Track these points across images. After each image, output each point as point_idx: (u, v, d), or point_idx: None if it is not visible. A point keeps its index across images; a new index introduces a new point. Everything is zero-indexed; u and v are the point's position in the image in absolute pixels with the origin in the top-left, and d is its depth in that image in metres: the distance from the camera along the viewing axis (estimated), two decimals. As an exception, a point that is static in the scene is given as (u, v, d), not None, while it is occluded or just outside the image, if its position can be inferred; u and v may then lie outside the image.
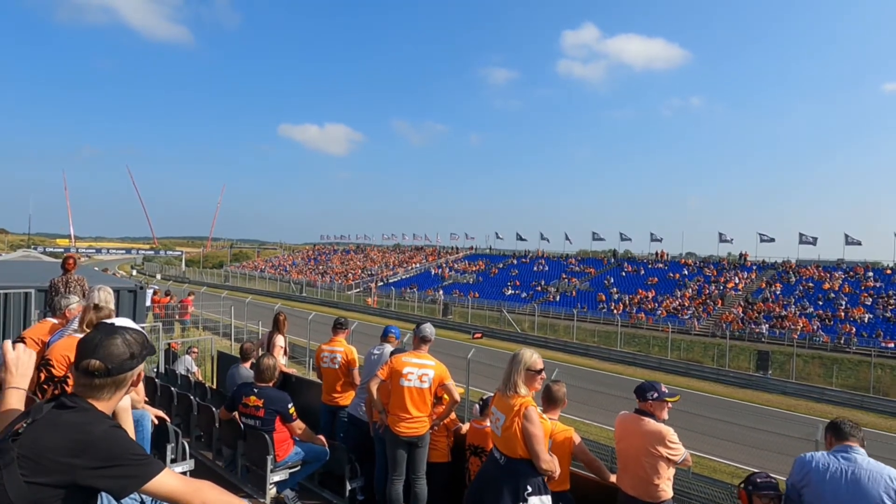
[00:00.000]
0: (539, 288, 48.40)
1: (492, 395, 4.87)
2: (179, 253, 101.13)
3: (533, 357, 3.49)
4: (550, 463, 3.27)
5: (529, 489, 3.23)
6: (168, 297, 22.39)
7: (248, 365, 6.03)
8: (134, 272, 74.77)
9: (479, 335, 33.58)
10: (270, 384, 4.84)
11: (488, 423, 4.70)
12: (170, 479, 1.63)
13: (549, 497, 3.31)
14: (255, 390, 4.74)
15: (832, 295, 36.36)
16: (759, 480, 3.28)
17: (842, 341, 30.67)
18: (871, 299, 34.84)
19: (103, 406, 1.68)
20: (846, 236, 42.77)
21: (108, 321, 1.82)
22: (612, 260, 53.41)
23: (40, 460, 1.48)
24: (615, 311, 39.45)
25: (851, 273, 39.34)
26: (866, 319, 32.66)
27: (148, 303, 17.82)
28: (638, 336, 34.50)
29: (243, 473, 4.81)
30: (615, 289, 44.70)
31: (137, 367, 1.77)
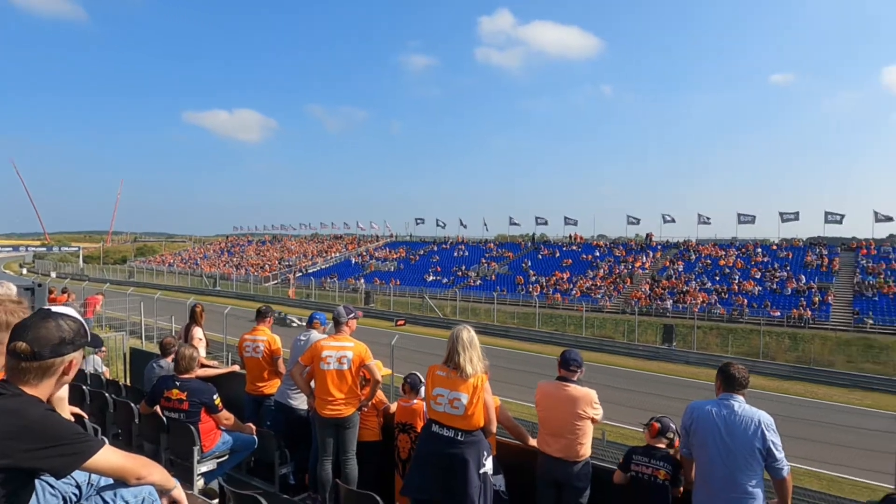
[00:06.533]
0: (460, 273, 49.15)
1: (415, 374, 5.01)
2: (76, 248, 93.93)
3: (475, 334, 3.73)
4: (496, 424, 3.71)
5: (486, 453, 3.55)
6: (66, 296, 20.84)
7: (169, 359, 5.84)
8: (24, 271, 68.88)
9: (402, 322, 33.71)
10: (192, 375, 4.72)
11: (415, 401, 4.84)
12: (112, 454, 1.64)
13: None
14: (177, 383, 4.61)
15: (727, 270, 39.49)
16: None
17: (736, 313, 33.41)
18: (760, 273, 38.15)
19: (34, 392, 1.65)
20: (739, 215, 46.37)
21: (46, 307, 1.78)
22: (530, 244, 55.05)
23: None
24: (533, 293, 40.83)
25: (743, 250, 42.88)
26: (756, 292, 35.75)
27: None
28: (555, 316, 35.96)
29: (168, 467, 4.68)
30: (532, 271, 46.21)
31: (69, 355, 1.73)
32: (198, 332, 6.69)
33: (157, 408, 4.74)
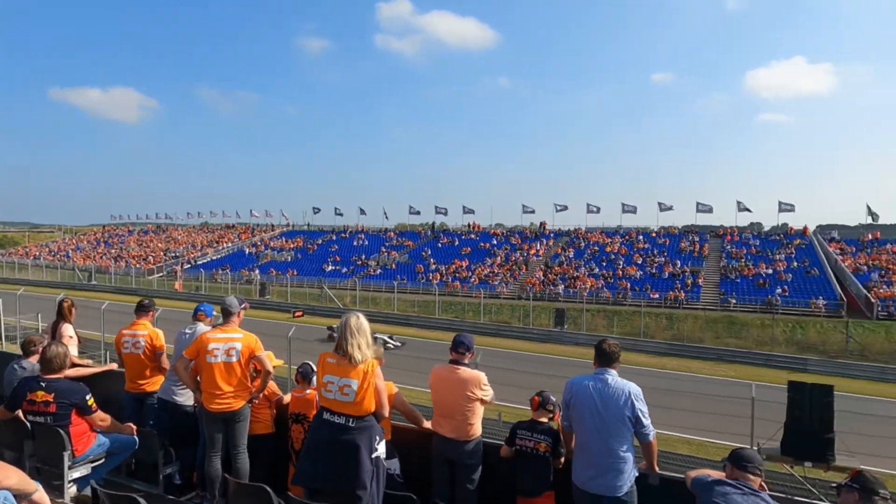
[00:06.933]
0: (359, 262, 48.72)
1: (307, 363, 4.94)
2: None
3: (365, 321, 3.71)
4: (389, 409, 3.76)
5: (378, 438, 3.55)
6: None
7: (33, 360, 5.29)
8: None
9: (299, 313, 32.89)
10: (61, 375, 4.34)
11: (308, 391, 4.78)
12: None
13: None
14: (43, 384, 4.21)
15: (613, 256, 42.19)
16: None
17: (620, 296, 35.81)
18: (641, 259, 41.12)
19: None
20: (623, 205, 49.63)
21: None
22: (429, 233, 55.61)
23: None
24: (433, 281, 41.34)
25: (627, 237, 46.04)
26: (638, 276, 38.52)
27: None
28: (454, 303, 36.66)
29: (34, 474, 4.29)
30: (432, 260, 46.77)
31: None
32: (68, 330, 6.14)
33: (20, 412, 4.32)
